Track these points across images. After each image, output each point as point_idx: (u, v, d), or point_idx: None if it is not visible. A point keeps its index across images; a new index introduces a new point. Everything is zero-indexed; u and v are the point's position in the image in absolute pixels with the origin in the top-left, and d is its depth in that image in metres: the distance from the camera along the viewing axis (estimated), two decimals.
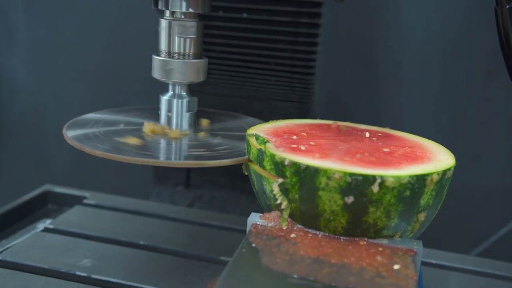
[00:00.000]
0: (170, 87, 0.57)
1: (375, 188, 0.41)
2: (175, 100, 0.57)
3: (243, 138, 0.55)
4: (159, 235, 0.67)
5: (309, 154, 0.44)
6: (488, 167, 0.99)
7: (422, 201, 0.43)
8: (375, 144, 0.48)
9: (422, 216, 0.44)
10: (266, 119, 0.65)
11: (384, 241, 0.43)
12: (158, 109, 0.59)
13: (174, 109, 0.57)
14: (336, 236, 0.43)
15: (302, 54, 0.77)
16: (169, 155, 0.53)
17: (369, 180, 0.41)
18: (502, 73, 0.55)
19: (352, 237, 0.43)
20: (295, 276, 0.36)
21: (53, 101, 1.17)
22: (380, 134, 0.52)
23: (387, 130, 0.54)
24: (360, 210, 0.42)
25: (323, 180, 0.42)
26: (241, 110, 0.79)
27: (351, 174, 0.41)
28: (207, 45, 0.77)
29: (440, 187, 0.44)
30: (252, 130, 0.51)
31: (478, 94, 0.96)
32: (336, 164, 0.42)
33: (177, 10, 0.55)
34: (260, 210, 0.48)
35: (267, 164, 0.45)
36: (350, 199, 0.41)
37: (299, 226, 0.44)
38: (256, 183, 0.48)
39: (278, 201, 0.44)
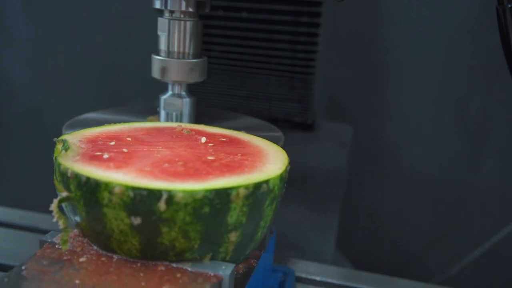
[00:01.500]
0: (170, 87, 0.57)
1: (162, 205, 0.34)
2: (174, 100, 0.57)
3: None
4: None
5: (104, 163, 0.37)
6: (489, 167, 0.99)
7: (230, 219, 0.37)
8: (204, 151, 0.42)
9: (233, 236, 0.38)
10: (266, 119, 0.65)
11: (188, 265, 0.37)
12: (157, 108, 0.59)
13: (174, 108, 0.57)
14: (132, 260, 0.37)
15: (302, 53, 0.77)
16: None
17: (155, 195, 0.34)
18: (504, 73, 0.54)
19: (151, 261, 0.37)
20: None
21: (52, 100, 1.17)
22: (224, 139, 0.46)
23: (237, 135, 0.48)
24: (151, 230, 0.35)
25: (105, 195, 0.35)
26: (241, 110, 0.78)
27: (134, 189, 0.34)
28: (207, 45, 0.77)
29: (254, 203, 0.37)
30: (76, 134, 0.44)
31: (480, 94, 0.96)
32: (125, 176, 0.35)
33: (175, 9, 0.54)
34: None
35: (58, 174, 0.38)
36: (136, 218, 0.35)
37: (95, 247, 0.38)
38: None
39: (54, 219, 0.35)
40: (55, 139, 0.42)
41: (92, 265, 0.36)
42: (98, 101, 1.12)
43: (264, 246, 0.47)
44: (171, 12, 0.55)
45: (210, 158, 0.40)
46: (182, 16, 0.55)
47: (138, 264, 0.36)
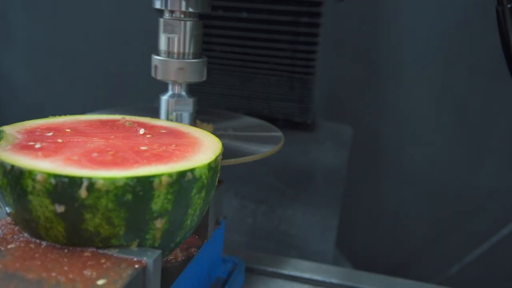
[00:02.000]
0: (170, 87, 0.57)
1: (83, 192, 0.35)
2: (174, 100, 0.57)
3: (242, 138, 0.55)
4: None
5: (34, 152, 0.38)
6: (489, 168, 0.99)
7: (155, 206, 0.37)
8: (139, 142, 0.43)
9: (160, 223, 0.38)
10: (266, 119, 0.65)
11: (115, 251, 0.37)
12: (157, 108, 0.59)
13: (174, 109, 0.57)
14: (60, 247, 0.38)
15: (302, 54, 0.77)
16: None
17: (76, 182, 0.35)
18: (504, 73, 0.55)
19: (78, 247, 0.38)
20: None
21: (52, 100, 1.17)
22: (163, 131, 0.47)
23: (179, 127, 0.49)
24: (75, 217, 0.36)
25: (29, 182, 0.36)
26: (241, 110, 0.78)
27: (56, 176, 0.35)
28: (207, 44, 0.77)
29: (179, 190, 0.38)
30: (16, 125, 0.44)
31: (480, 94, 0.96)
32: (50, 164, 0.36)
33: (176, 9, 0.54)
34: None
35: None
36: (60, 205, 0.36)
37: (25, 235, 0.39)
38: None
39: None
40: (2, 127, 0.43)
41: (19, 251, 0.37)
42: (99, 101, 1.12)
43: (206, 236, 0.49)
44: (171, 12, 0.55)
45: (142, 148, 0.41)
46: (182, 16, 0.55)
47: (65, 250, 0.37)
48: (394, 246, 1.07)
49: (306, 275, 0.61)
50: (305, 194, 0.83)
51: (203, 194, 0.41)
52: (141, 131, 0.46)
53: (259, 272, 0.61)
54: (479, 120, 0.97)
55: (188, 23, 0.55)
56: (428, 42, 0.96)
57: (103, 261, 0.36)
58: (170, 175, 0.37)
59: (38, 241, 0.38)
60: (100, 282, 0.33)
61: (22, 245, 0.38)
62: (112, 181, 0.35)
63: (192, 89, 0.59)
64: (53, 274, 0.34)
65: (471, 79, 0.95)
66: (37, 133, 0.43)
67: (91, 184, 0.35)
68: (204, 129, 0.59)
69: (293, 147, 0.84)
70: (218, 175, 0.43)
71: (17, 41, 1.16)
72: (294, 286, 0.60)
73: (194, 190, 0.40)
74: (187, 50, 0.55)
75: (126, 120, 0.49)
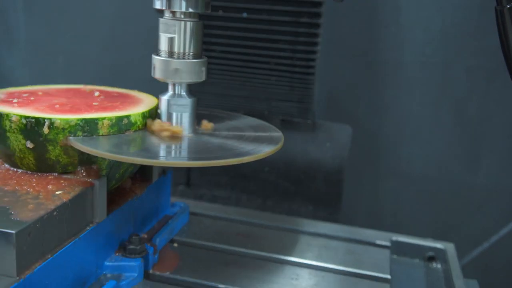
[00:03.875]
0: (170, 87, 0.57)
1: (46, 129, 0.49)
2: (174, 100, 0.57)
3: (244, 138, 0.56)
4: None
5: (11, 104, 0.53)
6: (487, 168, 0.99)
7: None
8: (93, 100, 0.57)
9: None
10: (266, 119, 0.65)
11: (71, 176, 0.51)
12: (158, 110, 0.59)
13: (174, 109, 0.57)
14: (31, 173, 0.52)
15: (302, 54, 0.77)
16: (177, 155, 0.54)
17: (40, 122, 0.49)
18: (503, 73, 0.55)
19: (45, 173, 0.51)
20: None
21: None
22: (116, 95, 0.61)
23: (130, 92, 0.64)
24: (41, 149, 0.50)
25: (7, 123, 0.50)
26: (241, 110, 0.79)
27: (26, 117, 0.49)
28: (207, 45, 0.77)
29: (118, 131, 0.52)
30: (2, 90, 0.59)
31: (478, 94, 0.96)
32: (22, 111, 0.51)
33: (176, 9, 0.54)
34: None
35: None
36: (30, 142, 0.49)
37: (6, 165, 0.53)
38: None
39: None
40: None
41: (1, 175, 0.51)
42: None
43: (151, 180, 0.62)
44: (172, 12, 0.55)
45: (94, 104, 0.56)
46: (182, 16, 0.55)
47: (35, 175, 0.52)
48: None
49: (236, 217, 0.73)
50: (306, 193, 0.83)
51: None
52: (96, 93, 0.60)
53: (202, 216, 0.73)
54: (478, 120, 0.97)
55: (188, 23, 0.55)
56: (427, 43, 0.96)
57: (62, 181, 0.50)
58: (110, 118, 0.52)
59: (15, 169, 0.53)
60: (58, 192, 0.48)
61: (3, 171, 0.53)
62: (67, 121, 0.50)
63: (192, 89, 0.59)
64: (24, 187, 0.49)
65: (470, 79, 0.96)
66: (15, 94, 0.57)
67: (51, 123, 0.49)
68: (205, 128, 0.59)
69: (293, 147, 0.84)
70: None
71: (18, 42, 1.16)
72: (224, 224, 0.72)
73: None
74: (186, 51, 0.55)
75: (87, 87, 0.63)
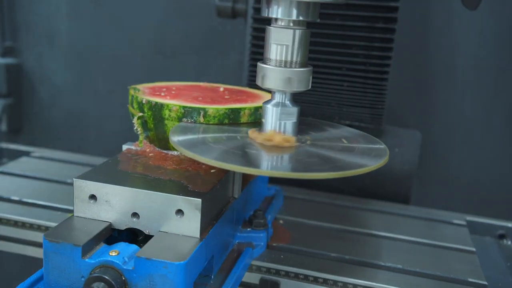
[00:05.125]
0: (277, 96, 0.56)
1: (201, 117, 0.58)
2: (279, 109, 0.56)
3: (346, 149, 0.55)
4: None
5: (162, 97, 0.61)
6: None
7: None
8: (222, 95, 0.67)
9: None
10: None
11: None
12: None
13: (279, 118, 0.56)
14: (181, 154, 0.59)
15: (376, 59, 0.77)
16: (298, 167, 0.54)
17: (196, 110, 0.59)
18: None
19: None
20: (136, 174, 0.54)
21: (93, 104, 1.16)
22: (235, 90, 0.71)
23: (244, 89, 0.72)
24: None
25: (166, 112, 0.59)
26: (310, 116, 0.78)
27: (185, 107, 0.58)
28: None
29: (254, 119, 0.62)
30: (140, 85, 0.67)
31: None
32: (177, 101, 0.60)
33: (285, 17, 0.54)
34: None
35: (135, 104, 0.62)
36: None
37: (158, 149, 0.61)
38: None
39: (138, 130, 0.61)
40: (128, 86, 0.65)
41: (157, 156, 0.60)
42: None
43: None
44: (281, 20, 0.54)
45: (226, 97, 0.66)
46: (291, 25, 0.54)
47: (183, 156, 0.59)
48: None
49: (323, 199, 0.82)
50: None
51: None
52: (221, 89, 0.71)
53: (292, 198, 0.81)
54: None
55: (297, 32, 0.54)
56: (480, 46, 0.96)
57: None
58: (250, 108, 0.61)
59: (166, 151, 0.61)
60: (212, 170, 0.56)
61: (157, 153, 0.61)
62: (217, 110, 0.59)
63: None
64: (183, 166, 0.57)
65: None
66: (156, 89, 0.66)
67: (206, 112, 0.59)
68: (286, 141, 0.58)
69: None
70: None
71: (60, 46, 1.15)
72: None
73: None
74: (298, 59, 0.55)
75: (207, 84, 0.73)
